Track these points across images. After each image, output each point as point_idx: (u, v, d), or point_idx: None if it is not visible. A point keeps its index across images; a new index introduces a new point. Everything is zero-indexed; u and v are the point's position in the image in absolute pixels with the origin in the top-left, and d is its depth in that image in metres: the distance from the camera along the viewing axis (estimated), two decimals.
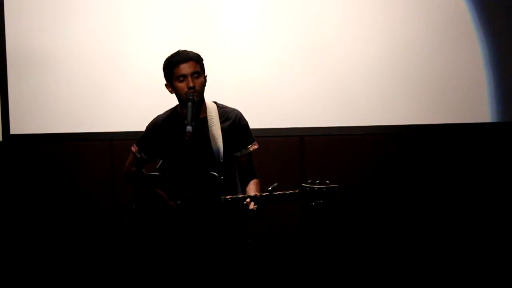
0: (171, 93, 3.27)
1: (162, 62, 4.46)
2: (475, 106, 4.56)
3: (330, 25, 4.54)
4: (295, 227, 4.57)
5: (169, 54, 3.28)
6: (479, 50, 4.55)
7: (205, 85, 3.27)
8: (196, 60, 3.22)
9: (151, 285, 3.31)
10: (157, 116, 3.39)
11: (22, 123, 4.58)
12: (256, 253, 4.53)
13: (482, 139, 4.56)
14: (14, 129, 4.58)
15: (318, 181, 3.19)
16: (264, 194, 3.16)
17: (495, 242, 4.55)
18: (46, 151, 4.58)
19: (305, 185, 3.18)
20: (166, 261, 3.26)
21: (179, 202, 3.23)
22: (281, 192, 3.15)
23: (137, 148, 3.37)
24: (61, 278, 4.58)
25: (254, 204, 3.11)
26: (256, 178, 3.35)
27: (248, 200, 3.13)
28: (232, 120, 3.30)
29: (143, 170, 3.39)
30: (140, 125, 3.50)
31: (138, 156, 3.36)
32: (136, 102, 4.49)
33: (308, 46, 4.54)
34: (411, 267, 4.57)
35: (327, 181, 3.20)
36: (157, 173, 3.33)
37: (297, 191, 3.17)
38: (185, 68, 3.19)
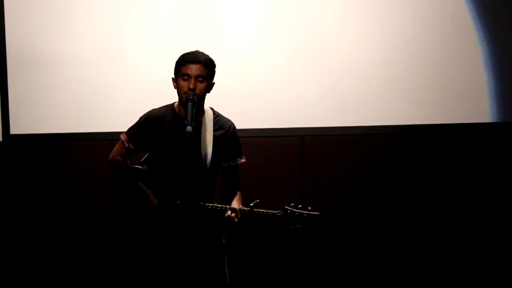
0: (175, 88, 3.27)
1: (162, 63, 4.48)
2: (475, 106, 4.56)
3: (330, 25, 4.55)
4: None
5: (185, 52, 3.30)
6: (479, 50, 4.55)
7: (208, 92, 3.27)
8: (205, 65, 3.21)
9: (120, 274, 3.34)
10: (152, 110, 3.38)
11: (22, 123, 4.58)
12: (255, 254, 4.54)
13: (482, 139, 4.56)
14: (14, 129, 4.58)
15: (300, 205, 3.21)
16: (245, 208, 3.18)
17: (495, 242, 4.55)
18: (46, 151, 4.58)
19: (287, 207, 3.19)
20: (138, 252, 3.28)
21: (179, 202, 3.24)
22: (262, 210, 3.17)
23: (126, 137, 3.37)
24: (61, 278, 4.58)
25: (236, 216, 3.15)
26: (240, 191, 3.37)
27: (229, 212, 3.16)
28: (225, 130, 3.32)
29: (127, 160, 3.39)
30: None
31: (126, 145, 3.36)
32: (136, 102, 4.49)
33: (308, 46, 4.54)
34: (411, 267, 4.57)
35: (309, 207, 3.21)
36: (140, 167, 3.34)
37: (278, 212, 3.18)
38: (192, 69, 3.20)
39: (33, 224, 4.59)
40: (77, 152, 4.57)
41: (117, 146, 3.41)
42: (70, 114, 4.56)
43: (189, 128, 3.11)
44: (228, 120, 3.37)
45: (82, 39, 4.54)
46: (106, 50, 4.54)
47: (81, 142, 4.56)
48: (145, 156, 3.41)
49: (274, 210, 3.18)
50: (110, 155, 3.41)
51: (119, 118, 4.51)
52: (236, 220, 3.14)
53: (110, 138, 4.51)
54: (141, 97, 4.48)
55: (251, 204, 3.17)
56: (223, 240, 3.35)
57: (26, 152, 4.58)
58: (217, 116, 3.34)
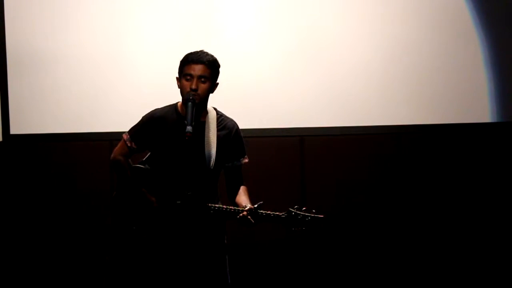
0: (179, 87, 3.27)
1: (162, 62, 4.46)
2: (475, 106, 4.56)
3: (330, 25, 4.55)
4: None
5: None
6: (479, 50, 4.55)
7: (211, 92, 3.27)
8: (208, 65, 3.20)
9: (119, 273, 3.34)
10: (155, 109, 3.38)
11: (22, 123, 4.58)
12: (254, 255, 4.55)
13: (482, 139, 4.56)
14: (14, 129, 4.58)
15: (304, 208, 3.18)
16: (250, 207, 3.16)
17: (495, 242, 4.55)
18: (46, 151, 4.58)
19: (291, 209, 3.15)
20: (137, 252, 3.28)
21: (179, 202, 3.24)
22: (266, 212, 3.15)
23: (128, 136, 3.36)
24: (61, 278, 4.58)
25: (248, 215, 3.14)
26: (244, 184, 3.37)
27: (244, 213, 3.14)
28: (229, 130, 3.31)
29: (129, 160, 3.38)
30: None
31: (128, 144, 3.35)
32: (136, 102, 4.49)
33: (308, 46, 4.54)
34: (411, 267, 4.57)
35: (314, 210, 3.17)
36: (141, 166, 3.34)
37: (282, 214, 3.16)
38: (194, 69, 3.19)
39: (33, 224, 4.59)
40: (77, 152, 4.57)
41: (119, 145, 3.40)
42: (70, 114, 4.56)
43: (189, 128, 3.11)
44: (232, 120, 3.36)
45: (82, 39, 4.54)
46: (106, 50, 4.54)
47: (81, 142, 4.56)
48: (147, 155, 3.41)
49: (278, 212, 3.15)
50: (112, 154, 3.40)
51: (119, 118, 4.52)
52: (252, 220, 3.12)
53: (110, 138, 4.51)
54: (141, 97, 4.49)
55: (255, 206, 3.15)
56: (225, 241, 3.35)
57: (26, 152, 4.58)
58: (220, 116, 3.34)
